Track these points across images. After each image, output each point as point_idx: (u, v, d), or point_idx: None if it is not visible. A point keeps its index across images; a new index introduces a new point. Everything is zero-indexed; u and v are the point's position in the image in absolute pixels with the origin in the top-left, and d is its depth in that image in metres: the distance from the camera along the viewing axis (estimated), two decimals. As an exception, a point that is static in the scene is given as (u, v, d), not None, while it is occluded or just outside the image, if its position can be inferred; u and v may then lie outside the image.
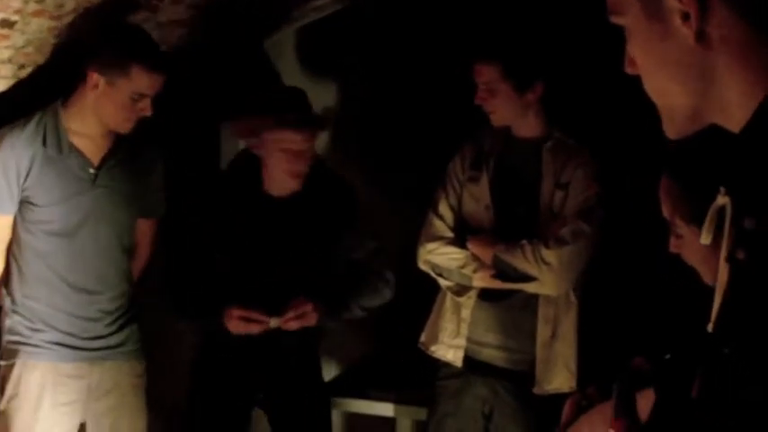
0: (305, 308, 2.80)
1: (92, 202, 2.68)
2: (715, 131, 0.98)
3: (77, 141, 2.66)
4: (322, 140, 3.83)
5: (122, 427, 2.81)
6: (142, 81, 2.58)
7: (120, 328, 2.78)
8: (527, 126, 2.88)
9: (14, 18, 2.43)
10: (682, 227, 1.95)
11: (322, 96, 3.80)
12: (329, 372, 3.85)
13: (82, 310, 2.71)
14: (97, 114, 2.63)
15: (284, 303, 2.82)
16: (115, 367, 2.77)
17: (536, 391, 2.84)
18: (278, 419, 3.05)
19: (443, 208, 2.95)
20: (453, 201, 2.95)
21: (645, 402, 1.97)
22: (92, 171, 2.67)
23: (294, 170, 2.80)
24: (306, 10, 3.62)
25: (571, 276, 2.78)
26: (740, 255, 0.90)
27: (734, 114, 0.92)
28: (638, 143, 2.78)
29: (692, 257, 1.95)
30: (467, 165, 2.95)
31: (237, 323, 2.78)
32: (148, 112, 2.64)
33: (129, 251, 2.83)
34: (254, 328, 2.78)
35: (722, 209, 1.29)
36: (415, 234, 3.00)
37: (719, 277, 1.73)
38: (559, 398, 2.63)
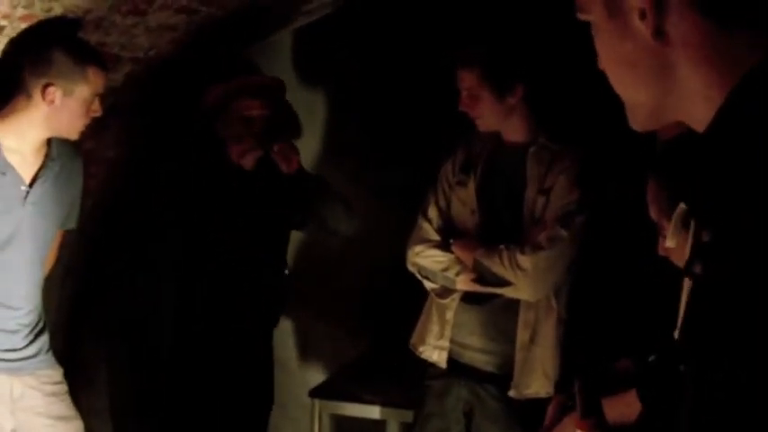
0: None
1: (21, 220, 2.64)
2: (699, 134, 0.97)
3: (11, 158, 2.62)
4: (318, 140, 3.86)
5: None
6: (99, 81, 2.61)
7: (35, 339, 2.77)
8: (514, 130, 2.90)
9: (3, 23, 2.43)
10: (667, 229, 1.97)
11: (317, 96, 3.83)
12: (318, 375, 3.87)
13: (1, 324, 2.69)
14: (50, 127, 2.61)
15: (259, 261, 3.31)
16: (33, 378, 2.77)
17: (513, 394, 2.85)
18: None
19: (432, 211, 2.98)
20: (442, 204, 2.98)
21: (625, 403, 2.00)
22: (23, 189, 2.64)
23: (252, 133, 3.22)
24: (296, 14, 3.64)
25: (547, 282, 2.79)
26: (697, 268, 0.89)
27: (695, 114, 0.91)
28: (625, 146, 2.80)
29: (680, 260, 1.97)
30: (457, 168, 2.98)
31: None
32: (100, 113, 2.67)
33: (44, 264, 2.83)
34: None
35: (688, 213, 1.30)
36: (408, 236, 3.02)
37: (685, 287, 1.75)
38: (542, 400, 2.65)
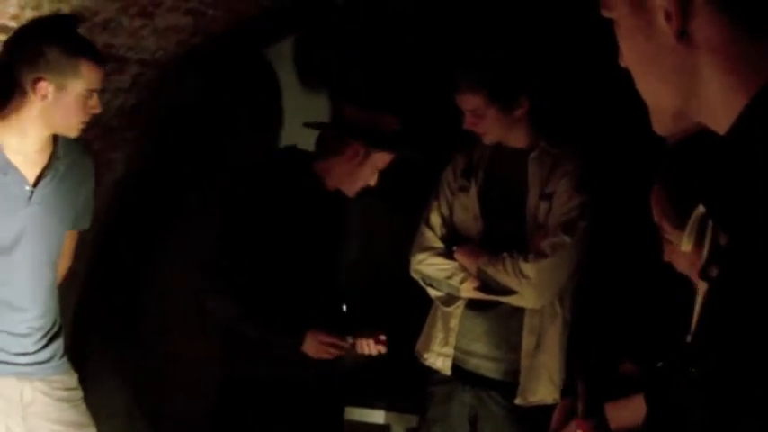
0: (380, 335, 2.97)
1: (27, 220, 2.61)
2: (706, 138, 0.96)
3: (14, 158, 2.57)
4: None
5: None
6: (92, 76, 2.54)
7: (48, 344, 2.73)
8: (516, 137, 2.89)
9: (11, 24, 2.44)
10: (670, 233, 1.97)
11: (321, 101, 3.82)
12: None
13: (12, 327, 2.65)
14: (47, 124, 2.56)
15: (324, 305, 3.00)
16: (45, 383, 2.72)
17: (518, 401, 2.84)
18: None
19: (434, 218, 2.96)
20: (445, 210, 2.96)
21: (632, 407, 1.99)
22: (27, 189, 2.59)
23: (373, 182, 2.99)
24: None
25: (551, 289, 2.78)
26: (713, 272, 0.87)
27: (717, 117, 0.90)
28: (630, 149, 2.79)
29: (681, 263, 1.96)
30: (458, 174, 2.97)
31: (319, 347, 2.87)
32: (98, 110, 2.61)
33: (56, 265, 2.78)
34: (334, 353, 2.91)
35: (705, 218, 1.29)
36: (412, 239, 3.00)
37: (699, 290, 1.74)
38: (547, 407, 2.64)
